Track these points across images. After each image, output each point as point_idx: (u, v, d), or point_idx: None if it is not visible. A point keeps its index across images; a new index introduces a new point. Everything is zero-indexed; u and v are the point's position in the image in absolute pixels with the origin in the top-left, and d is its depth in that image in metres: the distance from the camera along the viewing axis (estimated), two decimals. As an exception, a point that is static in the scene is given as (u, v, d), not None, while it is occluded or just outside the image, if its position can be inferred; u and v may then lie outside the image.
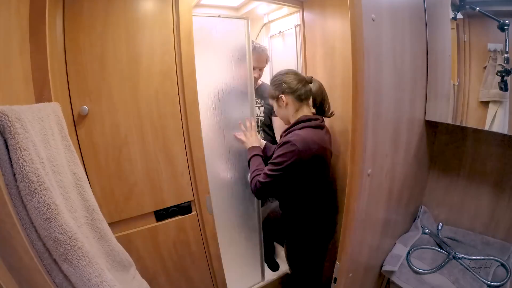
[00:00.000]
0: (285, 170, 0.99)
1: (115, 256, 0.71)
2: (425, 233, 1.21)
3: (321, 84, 1.09)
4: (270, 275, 1.58)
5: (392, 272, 1.07)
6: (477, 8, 0.92)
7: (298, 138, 0.97)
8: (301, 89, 1.05)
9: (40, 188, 0.48)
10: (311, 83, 1.08)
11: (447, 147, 1.23)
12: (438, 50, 1.04)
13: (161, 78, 0.98)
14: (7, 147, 0.46)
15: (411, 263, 1.07)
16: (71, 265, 0.52)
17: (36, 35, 0.68)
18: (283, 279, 1.60)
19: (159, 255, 1.10)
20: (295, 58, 1.43)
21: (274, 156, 1.03)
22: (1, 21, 0.57)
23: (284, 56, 1.57)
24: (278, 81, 1.07)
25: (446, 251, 1.10)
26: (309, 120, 1.04)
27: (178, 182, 1.08)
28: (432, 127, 1.20)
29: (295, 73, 1.09)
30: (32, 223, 0.48)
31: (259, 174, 1.07)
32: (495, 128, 0.97)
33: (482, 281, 0.95)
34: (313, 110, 1.12)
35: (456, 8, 0.97)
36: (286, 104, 1.07)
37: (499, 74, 0.89)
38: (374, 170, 0.92)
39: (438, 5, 1.01)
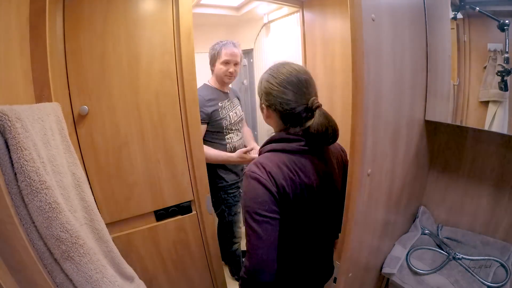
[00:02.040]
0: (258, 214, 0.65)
1: (113, 258, 0.71)
2: (424, 234, 1.21)
3: (327, 115, 0.71)
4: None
5: (391, 274, 1.07)
6: (477, 8, 0.92)
7: (253, 168, 0.68)
8: (294, 111, 0.70)
9: (41, 187, 0.48)
10: (313, 110, 0.70)
11: (447, 147, 1.23)
12: (438, 50, 1.04)
13: (161, 78, 0.98)
14: (7, 146, 0.46)
15: (411, 263, 1.07)
16: (73, 263, 0.53)
17: (36, 35, 0.68)
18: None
19: (159, 255, 1.10)
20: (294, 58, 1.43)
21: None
22: (1, 21, 0.57)
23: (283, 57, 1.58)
24: (265, 83, 0.73)
25: (446, 252, 1.10)
26: (282, 140, 0.72)
27: (178, 181, 1.08)
28: (432, 127, 1.20)
29: (297, 80, 0.70)
30: (33, 222, 0.48)
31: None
32: (495, 128, 0.97)
33: (482, 282, 0.95)
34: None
35: (456, 8, 0.97)
36: (268, 117, 0.77)
37: (499, 74, 0.89)
38: (374, 170, 0.91)
39: (438, 5, 1.01)
